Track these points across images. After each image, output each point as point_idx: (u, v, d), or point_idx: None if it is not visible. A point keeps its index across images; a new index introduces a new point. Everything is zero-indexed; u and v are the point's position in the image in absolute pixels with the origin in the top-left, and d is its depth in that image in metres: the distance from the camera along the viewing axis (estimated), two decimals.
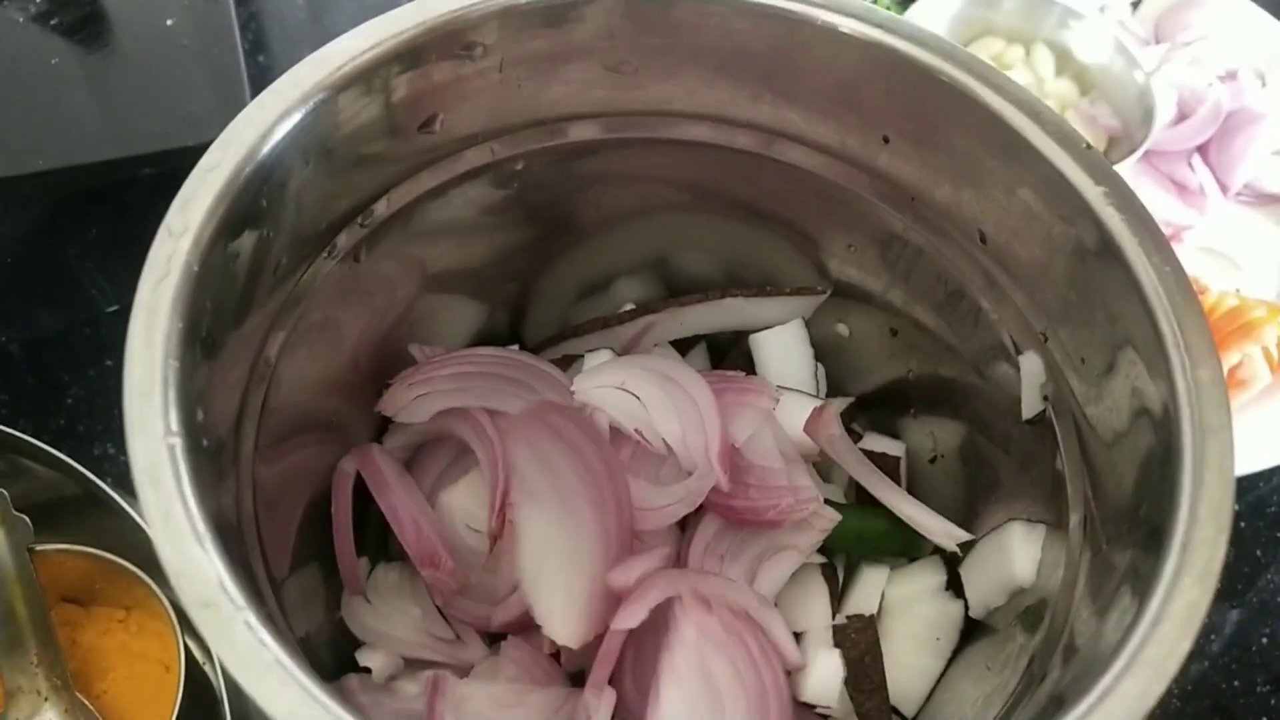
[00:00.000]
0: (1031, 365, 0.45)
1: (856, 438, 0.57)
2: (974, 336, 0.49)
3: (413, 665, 0.49)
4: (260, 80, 0.38)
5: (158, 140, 0.71)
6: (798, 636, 0.49)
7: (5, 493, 0.52)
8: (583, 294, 0.60)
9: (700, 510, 0.48)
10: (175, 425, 0.31)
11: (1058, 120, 0.41)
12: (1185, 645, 0.31)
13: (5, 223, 0.77)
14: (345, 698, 0.45)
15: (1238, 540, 0.70)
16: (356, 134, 0.42)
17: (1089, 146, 0.40)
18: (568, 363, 0.55)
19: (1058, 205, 0.41)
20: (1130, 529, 0.37)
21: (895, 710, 0.50)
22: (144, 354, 0.32)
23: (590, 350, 0.55)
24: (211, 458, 0.35)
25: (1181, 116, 0.86)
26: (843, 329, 0.58)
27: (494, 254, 0.54)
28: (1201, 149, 0.85)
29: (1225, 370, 0.68)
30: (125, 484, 0.53)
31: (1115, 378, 0.39)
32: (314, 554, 0.49)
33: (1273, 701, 0.64)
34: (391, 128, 0.43)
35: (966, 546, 0.50)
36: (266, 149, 0.37)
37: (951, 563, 0.51)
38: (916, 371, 0.55)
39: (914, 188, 0.47)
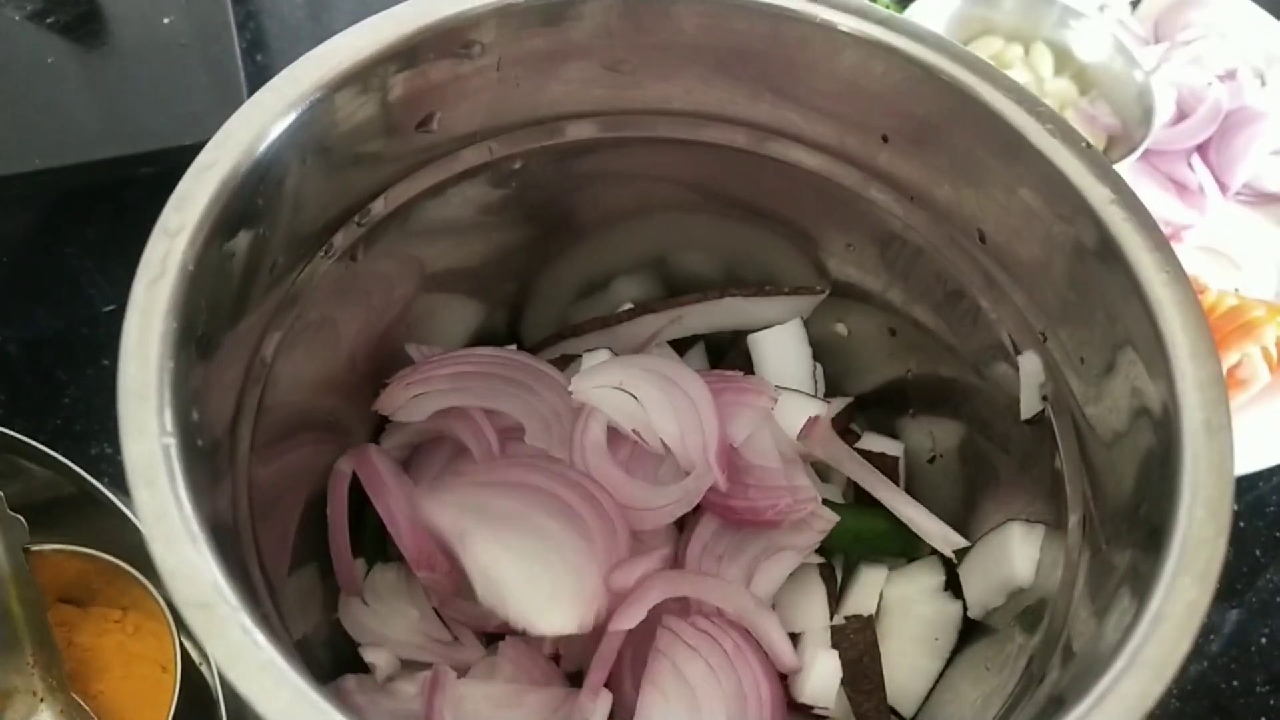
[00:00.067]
0: (1030, 365, 0.45)
1: (855, 438, 0.57)
2: (973, 336, 0.49)
3: (410, 666, 0.49)
4: (258, 79, 0.38)
5: (155, 139, 0.71)
6: (796, 637, 0.49)
7: (1, 493, 0.52)
8: (581, 293, 0.60)
9: (698, 510, 0.48)
10: (170, 425, 0.31)
11: (1057, 119, 0.41)
12: (1185, 645, 0.31)
13: (2, 222, 0.76)
14: (342, 698, 0.45)
15: (1237, 540, 0.70)
16: (354, 133, 0.41)
17: (1088, 145, 0.40)
18: (566, 362, 0.55)
19: (1057, 204, 0.41)
20: (1130, 529, 0.37)
21: (893, 711, 0.50)
22: (139, 354, 0.32)
23: (588, 350, 0.55)
24: (207, 458, 0.35)
25: (1181, 116, 0.86)
26: (841, 328, 0.57)
27: (492, 253, 0.54)
28: (1201, 148, 0.85)
29: (1225, 370, 0.67)
30: (122, 484, 0.53)
31: (1115, 377, 0.39)
32: (312, 554, 0.49)
33: (1272, 701, 0.64)
34: (389, 126, 0.43)
35: (965, 547, 0.50)
36: (263, 148, 0.37)
37: (950, 563, 0.51)
38: (915, 371, 0.55)
39: (913, 187, 0.47)
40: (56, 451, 0.54)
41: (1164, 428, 0.35)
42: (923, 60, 0.42)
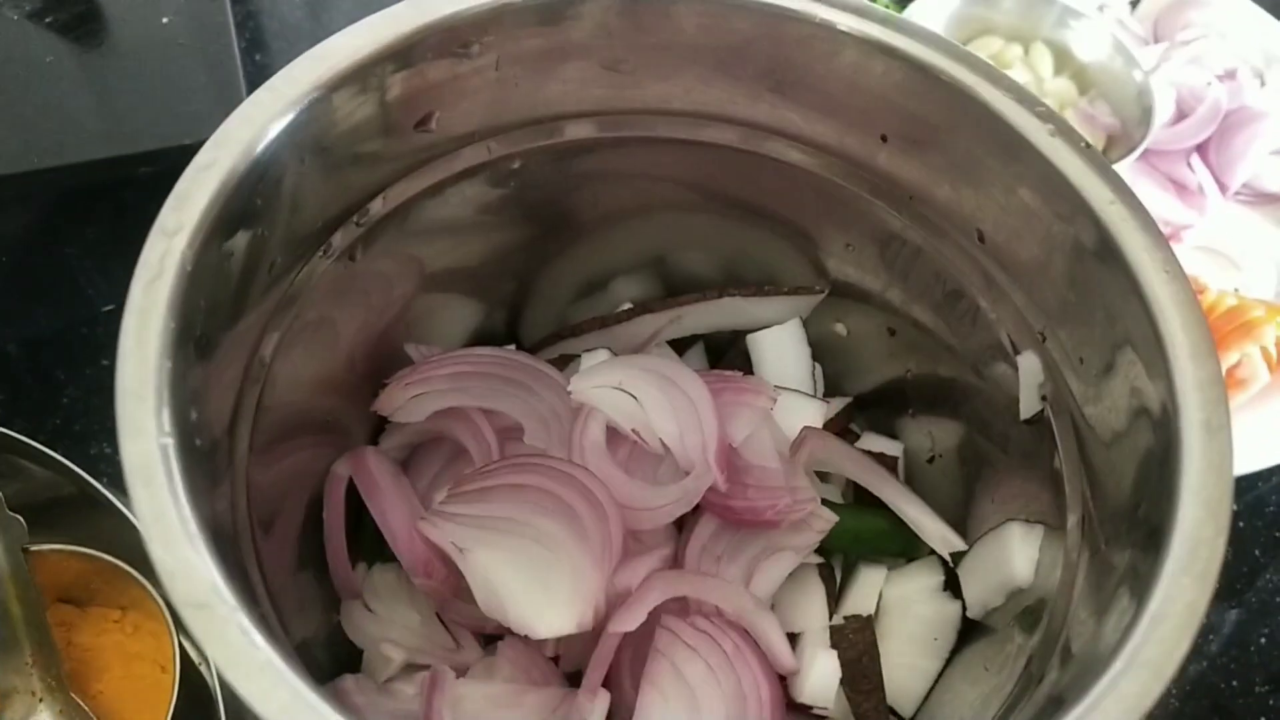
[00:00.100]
0: (1030, 365, 0.45)
1: (854, 438, 0.57)
2: (972, 336, 0.49)
3: (408, 667, 0.49)
4: (258, 79, 0.38)
5: (154, 139, 0.71)
6: (795, 637, 0.49)
7: (0, 493, 0.52)
8: (580, 293, 0.60)
9: (697, 510, 0.48)
10: (168, 425, 0.31)
11: (1057, 119, 0.41)
12: (1184, 645, 0.31)
13: (1, 222, 0.76)
14: (340, 699, 0.45)
15: (1236, 540, 0.70)
16: (352, 132, 0.41)
17: (1088, 145, 0.40)
18: (565, 362, 0.55)
19: (1057, 204, 0.41)
20: (1129, 529, 0.37)
21: (893, 711, 0.50)
22: (136, 354, 0.32)
23: (587, 350, 0.55)
24: (205, 458, 0.35)
25: (1180, 115, 0.86)
26: (841, 328, 0.57)
27: (491, 253, 0.54)
28: (1200, 148, 0.85)
29: (1224, 370, 0.67)
30: (121, 484, 0.53)
31: (1114, 377, 0.39)
32: (311, 556, 0.49)
33: (1271, 701, 0.64)
34: (387, 126, 0.43)
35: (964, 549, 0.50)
36: (261, 147, 0.37)
37: (949, 563, 0.51)
38: (914, 371, 0.55)
39: (912, 186, 0.47)
40: (56, 451, 0.54)
41: (1163, 428, 0.35)
42: (922, 60, 0.42)
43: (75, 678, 0.54)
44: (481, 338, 0.58)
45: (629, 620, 0.44)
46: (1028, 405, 0.45)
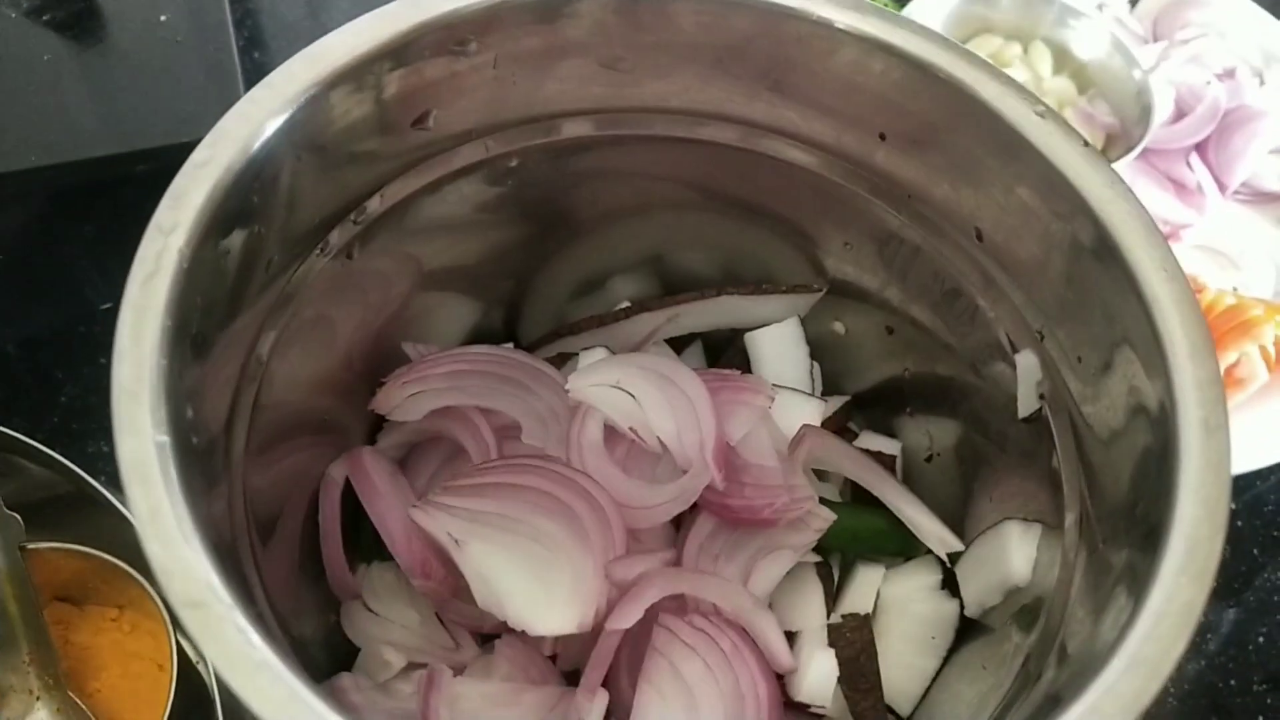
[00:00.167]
0: (1028, 363, 0.45)
1: (852, 436, 0.57)
2: (970, 335, 0.49)
3: (408, 666, 0.49)
4: (256, 77, 0.38)
5: (152, 137, 0.71)
6: (792, 636, 0.49)
7: None
8: (578, 292, 0.60)
9: (695, 509, 0.48)
10: (164, 423, 0.31)
11: (1055, 118, 0.41)
12: (1181, 644, 0.31)
13: None
14: (337, 697, 0.45)
15: (1235, 539, 0.70)
16: (349, 130, 0.41)
17: (1086, 144, 0.40)
18: (563, 360, 0.55)
19: (1055, 203, 0.41)
20: (1127, 528, 0.37)
21: (890, 710, 0.50)
22: (132, 352, 0.32)
23: (585, 348, 0.55)
24: (202, 457, 0.35)
25: (1179, 114, 0.86)
26: (839, 327, 0.57)
27: (488, 251, 0.54)
28: (1199, 147, 0.85)
29: (1223, 369, 0.67)
30: (119, 482, 0.53)
31: (1112, 376, 0.39)
32: (308, 556, 0.49)
33: (1269, 700, 0.64)
34: (384, 124, 0.43)
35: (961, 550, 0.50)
36: (258, 145, 0.37)
37: (947, 562, 0.51)
38: (913, 370, 0.55)
39: (911, 185, 0.47)
40: (54, 450, 0.54)
41: (1161, 426, 0.35)
42: (921, 58, 0.42)
43: (72, 676, 0.54)
44: (479, 336, 0.57)
45: (626, 617, 0.44)
46: (1026, 404, 0.45)
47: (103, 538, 0.53)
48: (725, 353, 0.59)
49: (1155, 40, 0.91)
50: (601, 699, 0.44)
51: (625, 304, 0.57)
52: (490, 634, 0.49)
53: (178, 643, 0.50)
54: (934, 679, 0.50)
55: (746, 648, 0.46)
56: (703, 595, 0.47)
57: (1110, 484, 0.39)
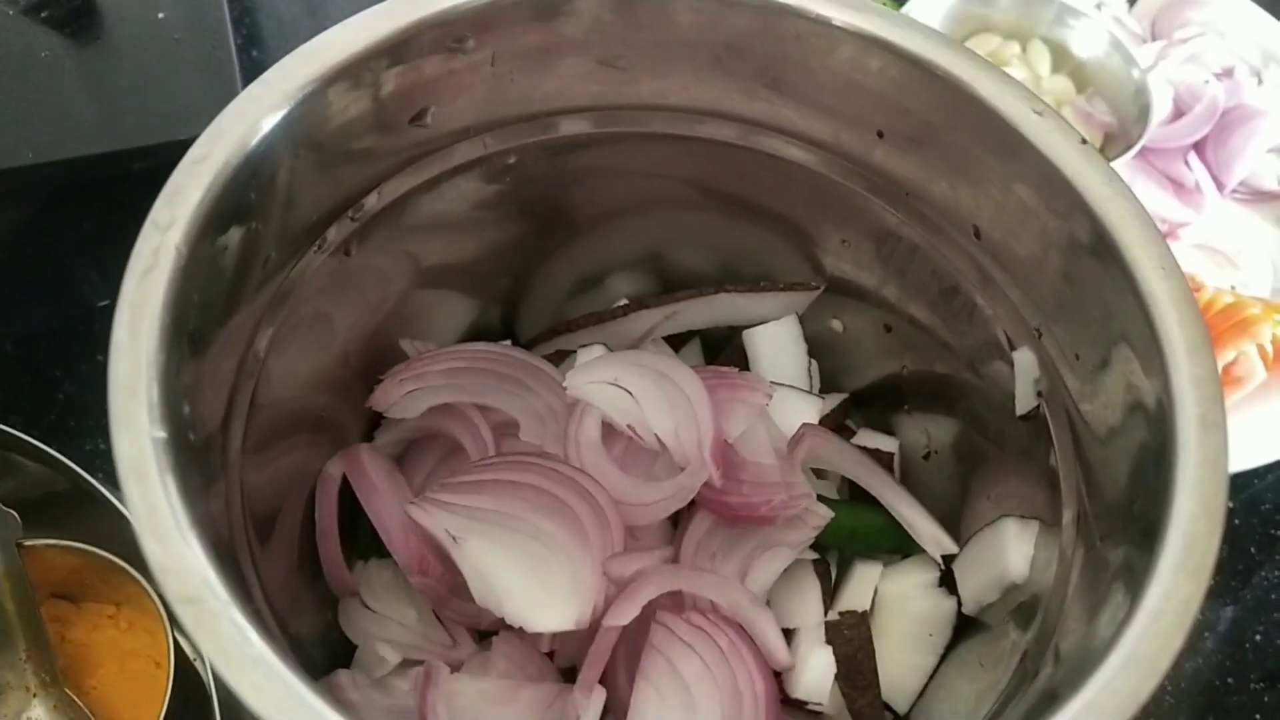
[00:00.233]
0: (1025, 361, 0.45)
1: (849, 434, 0.57)
2: (968, 332, 0.49)
3: (405, 663, 0.49)
4: (254, 75, 0.38)
5: (150, 134, 0.71)
6: (790, 633, 0.49)
7: None
8: (576, 289, 0.60)
9: (692, 507, 0.48)
10: (161, 420, 0.31)
11: (1054, 116, 0.41)
12: (1178, 641, 0.31)
13: None
14: (334, 694, 0.45)
15: (1232, 537, 0.70)
16: (346, 127, 0.41)
17: (1085, 142, 0.40)
18: (560, 358, 0.55)
19: (1053, 201, 0.41)
20: (1124, 525, 0.37)
21: (888, 707, 0.50)
22: (129, 348, 0.32)
23: (583, 346, 0.55)
24: (199, 454, 0.35)
25: (1178, 113, 0.86)
26: (837, 325, 0.57)
27: (486, 249, 0.54)
28: (1198, 146, 0.85)
29: (1221, 367, 0.67)
30: (116, 480, 0.53)
31: (1110, 374, 0.39)
32: (306, 553, 0.49)
33: (1266, 699, 0.64)
34: (382, 121, 0.43)
35: (959, 543, 0.50)
36: (255, 142, 0.37)
37: (945, 559, 0.51)
38: (911, 368, 0.55)
39: (909, 183, 0.47)
40: (51, 447, 0.54)
41: (1159, 424, 0.35)
42: (919, 56, 0.42)
43: (69, 673, 0.54)
44: (477, 333, 0.57)
45: (624, 614, 0.43)
46: (1023, 401, 0.45)
47: (100, 535, 0.53)
48: (723, 350, 0.59)
49: (1154, 39, 0.91)
50: (599, 696, 0.44)
51: (623, 301, 0.57)
52: (488, 631, 0.49)
53: (175, 640, 0.50)
54: (931, 676, 0.50)
55: (744, 645, 0.46)
56: (700, 592, 0.47)
57: (1108, 481, 0.40)
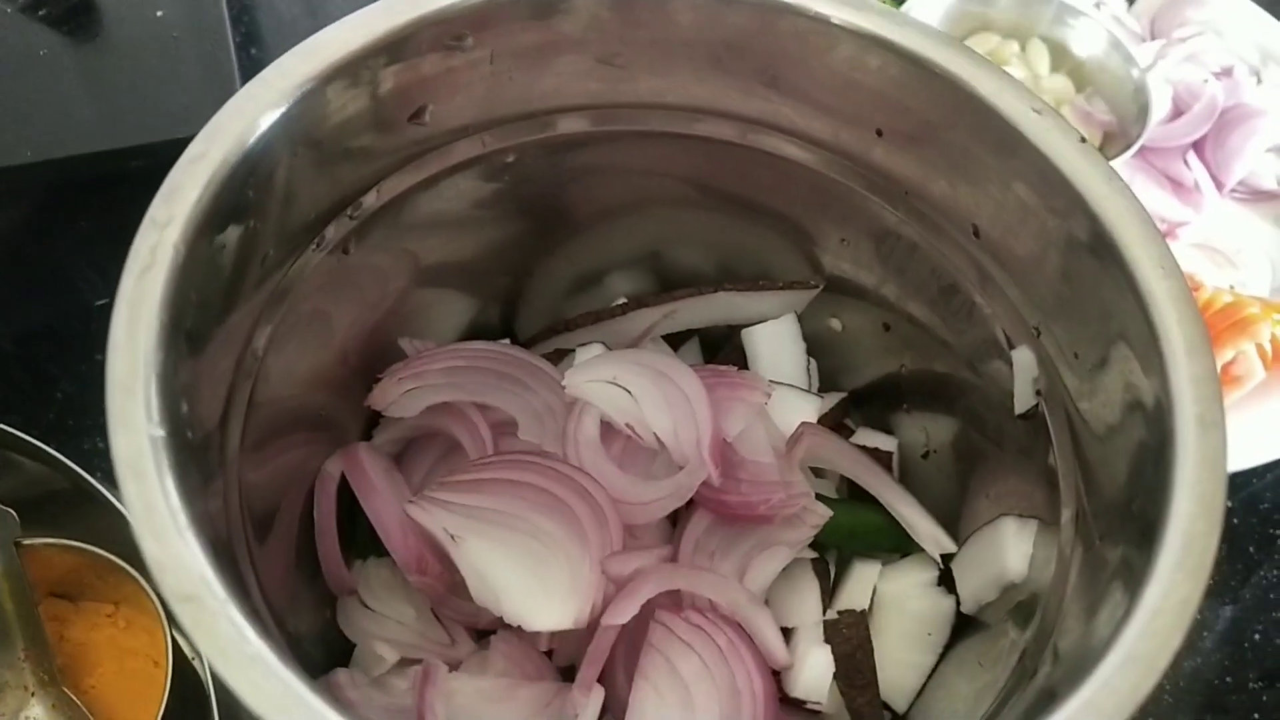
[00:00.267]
0: (1024, 360, 0.45)
1: (848, 433, 0.57)
2: (967, 331, 0.49)
3: (402, 661, 0.49)
4: (253, 73, 0.37)
5: (148, 133, 0.71)
6: (789, 632, 0.49)
7: None
8: (575, 288, 0.60)
9: (691, 506, 0.48)
10: (158, 418, 0.31)
11: (1053, 114, 0.41)
12: (1176, 640, 0.31)
13: None
14: (333, 693, 0.45)
15: (1231, 537, 0.70)
16: (344, 125, 0.41)
17: (1084, 140, 0.40)
18: (559, 357, 0.55)
19: (1052, 200, 0.41)
20: (1122, 524, 0.37)
21: (886, 706, 0.50)
22: (127, 347, 0.32)
23: (582, 344, 0.55)
24: (197, 452, 0.35)
25: (1177, 113, 0.86)
26: (836, 324, 0.57)
27: (485, 247, 0.54)
28: (1197, 145, 0.85)
29: (1220, 367, 0.67)
30: (115, 479, 0.53)
31: (1108, 372, 0.39)
32: (304, 552, 0.49)
33: (1265, 698, 0.64)
34: (380, 119, 0.43)
35: (958, 542, 0.50)
36: (253, 140, 0.37)
37: (944, 558, 0.51)
38: (909, 367, 0.55)
39: (908, 182, 0.47)
40: (50, 446, 0.54)
41: (1157, 422, 0.35)
42: (918, 54, 0.42)
43: (68, 672, 0.54)
44: (476, 332, 0.57)
45: (622, 612, 0.43)
46: (1022, 400, 0.45)
47: (98, 534, 0.53)
48: (722, 349, 0.59)
49: (1153, 38, 0.91)
50: (597, 695, 0.44)
51: (622, 300, 0.57)
52: (486, 630, 0.49)
53: (173, 639, 0.50)
54: (930, 675, 0.50)
55: (742, 644, 0.46)
56: (699, 591, 0.47)
57: (1106, 480, 0.39)
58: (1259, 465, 0.68)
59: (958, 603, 0.50)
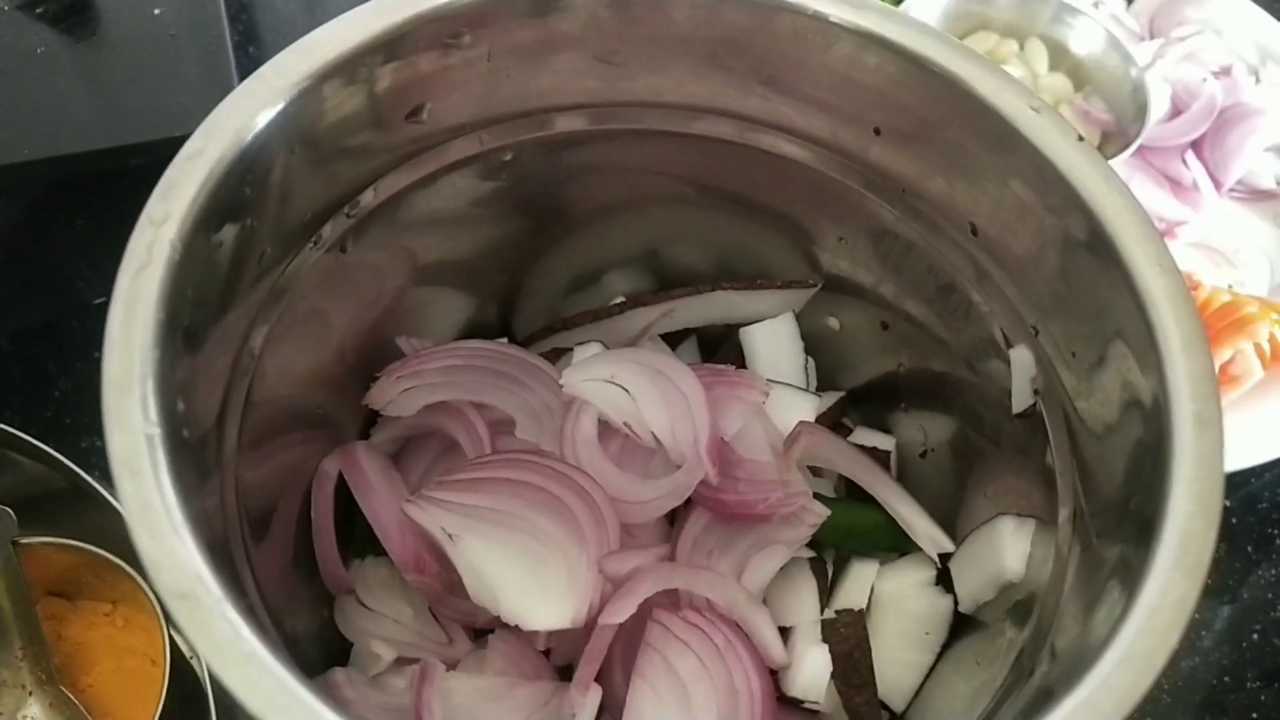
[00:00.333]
0: (1022, 358, 0.45)
1: (846, 432, 0.57)
2: (965, 330, 0.49)
3: (400, 660, 0.49)
4: (250, 71, 0.37)
5: (146, 130, 0.71)
6: (786, 631, 0.49)
7: None
8: (572, 286, 0.60)
9: (689, 505, 0.48)
10: (154, 416, 0.31)
11: (1051, 113, 0.41)
12: (1174, 639, 0.31)
13: None
14: (330, 692, 0.45)
15: (1229, 536, 0.70)
16: (342, 123, 0.41)
17: (1081, 139, 0.40)
18: (557, 355, 0.55)
19: (1050, 198, 0.40)
20: (1120, 523, 0.37)
21: (884, 705, 0.50)
22: (123, 345, 0.32)
23: (579, 343, 0.55)
24: (193, 451, 0.35)
25: (1175, 112, 0.86)
26: (834, 322, 0.57)
27: (483, 246, 0.54)
28: (1195, 145, 0.85)
29: (1218, 366, 0.67)
30: (112, 477, 0.53)
31: (1106, 371, 0.39)
32: (302, 551, 0.49)
33: (1263, 697, 0.64)
34: (377, 117, 0.43)
35: (956, 541, 0.50)
36: (250, 137, 0.37)
37: (941, 557, 0.51)
38: (907, 365, 0.55)
39: (906, 180, 0.47)
40: (47, 445, 0.54)
41: (1155, 421, 0.35)
42: (916, 53, 0.42)
43: (65, 671, 0.54)
44: (473, 331, 0.57)
45: (620, 612, 0.43)
46: (1020, 399, 0.45)
47: (96, 532, 0.52)
48: (720, 348, 0.59)
49: (1151, 37, 0.91)
50: (595, 694, 0.44)
51: (620, 299, 0.57)
52: (483, 629, 0.49)
53: (171, 638, 0.50)
54: (928, 674, 0.50)
55: (740, 643, 0.46)
56: (696, 590, 0.47)
57: (1104, 479, 0.39)
58: (1257, 464, 0.68)
59: (955, 602, 0.50)
